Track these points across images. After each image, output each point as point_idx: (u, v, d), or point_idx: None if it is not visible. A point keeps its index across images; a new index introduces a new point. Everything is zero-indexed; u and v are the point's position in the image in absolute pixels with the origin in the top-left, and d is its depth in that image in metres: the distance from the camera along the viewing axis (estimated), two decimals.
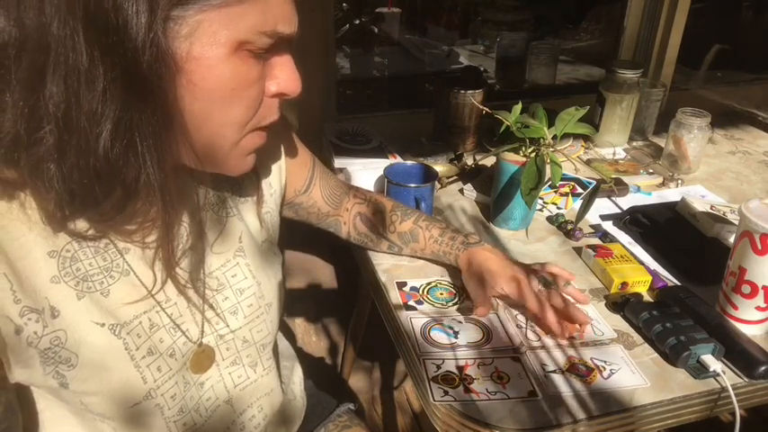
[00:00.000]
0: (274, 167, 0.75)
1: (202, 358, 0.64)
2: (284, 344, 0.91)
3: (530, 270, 0.84)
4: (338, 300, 1.61)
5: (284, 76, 0.55)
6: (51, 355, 0.54)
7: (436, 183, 1.13)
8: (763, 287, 0.77)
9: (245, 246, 0.67)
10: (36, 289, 0.53)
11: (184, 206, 0.61)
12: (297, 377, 0.88)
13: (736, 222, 0.87)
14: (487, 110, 1.01)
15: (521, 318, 0.84)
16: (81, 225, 0.53)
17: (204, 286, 0.63)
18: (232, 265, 0.66)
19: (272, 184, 0.75)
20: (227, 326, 0.65)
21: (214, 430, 0.68)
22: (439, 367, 0.74)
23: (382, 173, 1.05)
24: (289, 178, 0.79)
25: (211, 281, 0.64)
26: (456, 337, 0.80)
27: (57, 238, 0.53)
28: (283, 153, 0.77)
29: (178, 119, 0.50)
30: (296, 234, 0.87)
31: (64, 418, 0.62)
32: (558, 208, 1.13)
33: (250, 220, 0.70)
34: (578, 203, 1.14)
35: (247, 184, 0.70)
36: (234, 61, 0.49)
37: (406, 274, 0.92)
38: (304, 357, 0.93)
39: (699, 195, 1.20)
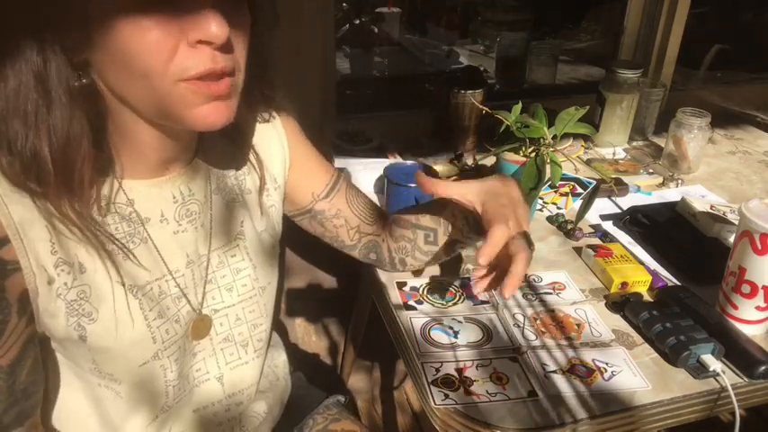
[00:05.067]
0: (278, 161, 0.77)
1: (201, 326, 0.69)
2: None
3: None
4: (338, 300, 1.61)
5: (196, 23, 0.51)
6: (76, 308, 0.58)
7: None
8: (763, 287, 0.77)
9: (245, 230, 0.73)
10: (68, 244, 0.57)
11: (201, 188, 0.67)
12: (281, 360, 0.89)
13: (736, 222, 0.87)
14: (487, 110, 1.01)
15: (519, 317, 0.84)
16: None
17: (208, 262, 0.69)
18: (233, 245, 0.71)
19: (277, 178, 0.77)
20: (223, 300, 0.71)
21: (198, 403, 0.72)
22: (438, 370, 0.74)
23: (382, 173, 1.05)
24: (302, 179, 0.79)
25: (213, 258, 0.69)
26: (456, 337, 0.80)
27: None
28: (288, 148, 0.77)
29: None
30: (296, 234, 0.86)
31: (68, 383, 0.65)
32: (558, 208, 1.13)
33: (252, 207, 0.74)
34: (578, 203, 1.14)
35: (252, 173, 0.74)
36: (122, 12, 0.49)
37: (406, 274, 0.92)
38: (303, 356, 0.93)
39: (699, 195, 1.20)
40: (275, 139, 0.76)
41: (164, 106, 0.54)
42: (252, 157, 0.74)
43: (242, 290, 0.72)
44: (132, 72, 0.52)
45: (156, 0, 0.49)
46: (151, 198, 0.63)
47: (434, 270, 0.94)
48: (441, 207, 0.83)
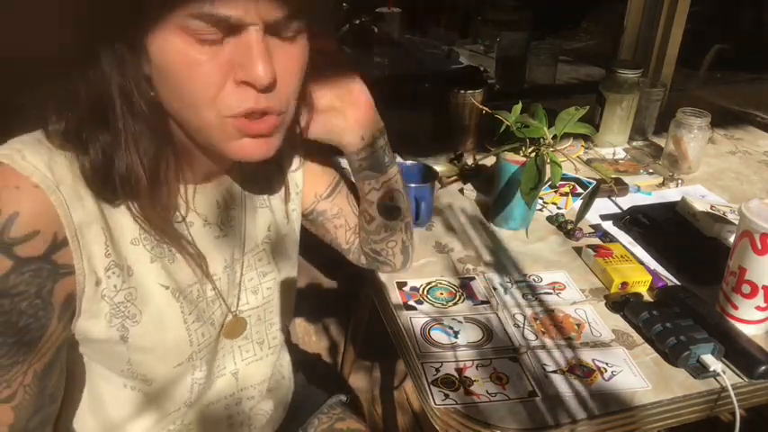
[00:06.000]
0: (298, 166, 0.79)
1: (237, 327, 0.72)
2: None
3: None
4: (338, 300, 1.61)
5: (243, 63, 0.52)
6: (122, 309, 0.59)
7: (436, 183, 1.13)
8: (763, 287, 0.77)
9: (272, 235, 0.75)
10: (120, 247, 0.58)
11: (236, 195, 0.69)
12: (286, 360, 0.90)
13: (736, 222, 0.87)
14: (487, 110, 1.01)
15: (519, 317, 0.84)
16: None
17: (242, 267, 0.71)
18: (260, 249, 0.73)
19: (298, 183, 0.79)
20: (248, 303, 0.73)
21: (213, 397, 0.73)
22: (438, 370, 0.74)
23: None
24: (308, 179, 0.81)
25: (245, 262, 0.72)
26: (456, 337, 0.80)
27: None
28: (303, 152, 0.79)
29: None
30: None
31: (88, 385, 0.66)
32: (558, 208, 1.13)
33: (278, 213, 0.76)
34: (578, 203, 1.14)
35: (278, 179, 0.76)
36: (177, 42, 0.50)
37: (406, 274, 0.92)
38: (303, 356, 0.93)
39: (699, 195, 1.20)
40: (296, 144, 0.77)
41: (207, 136, 0.56)
42: (276, 164, 0.75)
43: (266, 293, 0.74)
44: (182, 100, 0.54)
45: (211, 36, 0.50)
46: (197, 203, 0.64)
47: (435, 270, 0.94)
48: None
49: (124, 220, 0.58)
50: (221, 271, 0.68)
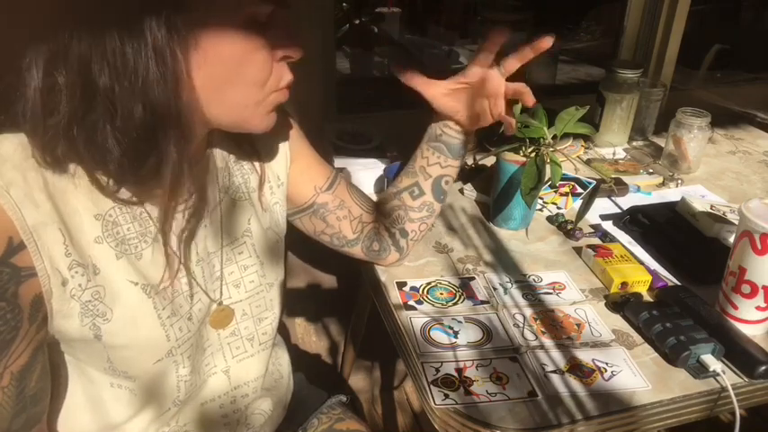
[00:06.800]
0: (281, 159, 0.79)
1: (223, 316, 0.72)
2: None
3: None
4: (338, 300, 1.61)
5: (283, 40, 0.60)
6: (91, 308, 0.59)
7: None
8: (763, 287, 0.77)
9: (252, 228, 0.74)
10: (82, 246, 0.58)
11: (210, 187, 0.69)
12: (284, 360, 0.90)
13: (736, 222, 0.87)
14: None
15: (519, 317, 0.84)
16: (123, 192, 0.59)
17: (221, 260, 0.70)
18: (240, 243, 0.73)
19: (280, 176, 0.79)
20: (230, 297, 0.72)
21: (206, 396, 0.73)
22: (438, 370, 0.74)
23: (382, 173, 1.04)
24: (303, 174, 0.81)
25: (222, 255, 0.71)
26: (456, 337, 0.80)
27: (102, 203, 0.59)
28: (289, 145, 0.80)
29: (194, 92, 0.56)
30: (296, 234, 0.86)
31: (76, 385, 0.65)
32: (558, 208, 1.13)
33: (257, 205, 0.76)
34: (578, 203, 1.14)
35: (257, 171, 0.76)
36: (241, 31, 0.56)
37: (406, 274, 0.92)
38: (303, 356, 0.93)
39: (699, 195, 1.20)
40: (277, 136, 0.78)
41: (245, 113, 0.61)
42: (255, 155, 0.75)
43: (249, 286, 0.73)
44: (237, 82, 0.58)
45: (260, 23, 0.57)
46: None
47: (435, 270, 0.94)
48: (410, 161, 0.90)
49: (84, 219, 0.58)
50: (194, 265, 0.67)
